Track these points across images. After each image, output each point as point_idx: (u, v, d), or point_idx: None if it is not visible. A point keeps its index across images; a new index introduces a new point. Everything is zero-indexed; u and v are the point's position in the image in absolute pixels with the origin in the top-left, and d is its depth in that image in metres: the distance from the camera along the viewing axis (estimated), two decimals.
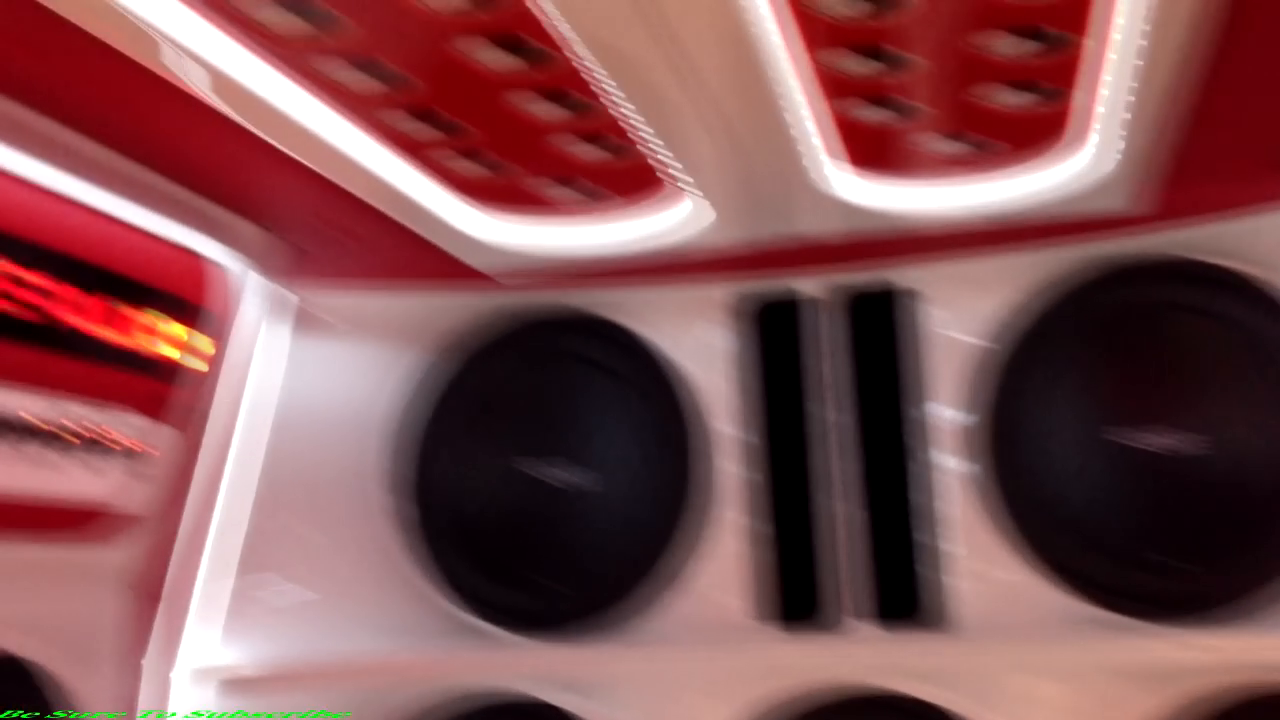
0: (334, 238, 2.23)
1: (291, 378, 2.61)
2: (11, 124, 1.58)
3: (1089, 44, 1.51)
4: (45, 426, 1.76)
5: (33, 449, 1.76)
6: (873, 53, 1.52)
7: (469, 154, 1.84)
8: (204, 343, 2.06)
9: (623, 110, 1.61)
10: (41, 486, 1.80)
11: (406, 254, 2.26)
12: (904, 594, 2.42)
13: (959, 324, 2.46)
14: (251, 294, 2.29)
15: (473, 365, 2.66)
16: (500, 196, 2.05)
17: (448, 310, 2.69)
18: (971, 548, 2.40)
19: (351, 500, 2.65)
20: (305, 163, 1.76)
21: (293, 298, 2.53)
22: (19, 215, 1.63)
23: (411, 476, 2.63)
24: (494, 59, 1.49)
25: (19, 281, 1.64)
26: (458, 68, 1.50)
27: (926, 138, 1.84)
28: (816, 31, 1.44)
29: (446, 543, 2.62)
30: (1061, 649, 2.33)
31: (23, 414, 1.72)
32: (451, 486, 2.64)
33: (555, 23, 1.35)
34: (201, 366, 2.08)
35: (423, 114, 1.68)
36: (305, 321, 2.60)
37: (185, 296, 1.96)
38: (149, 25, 1.31)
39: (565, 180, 1.95)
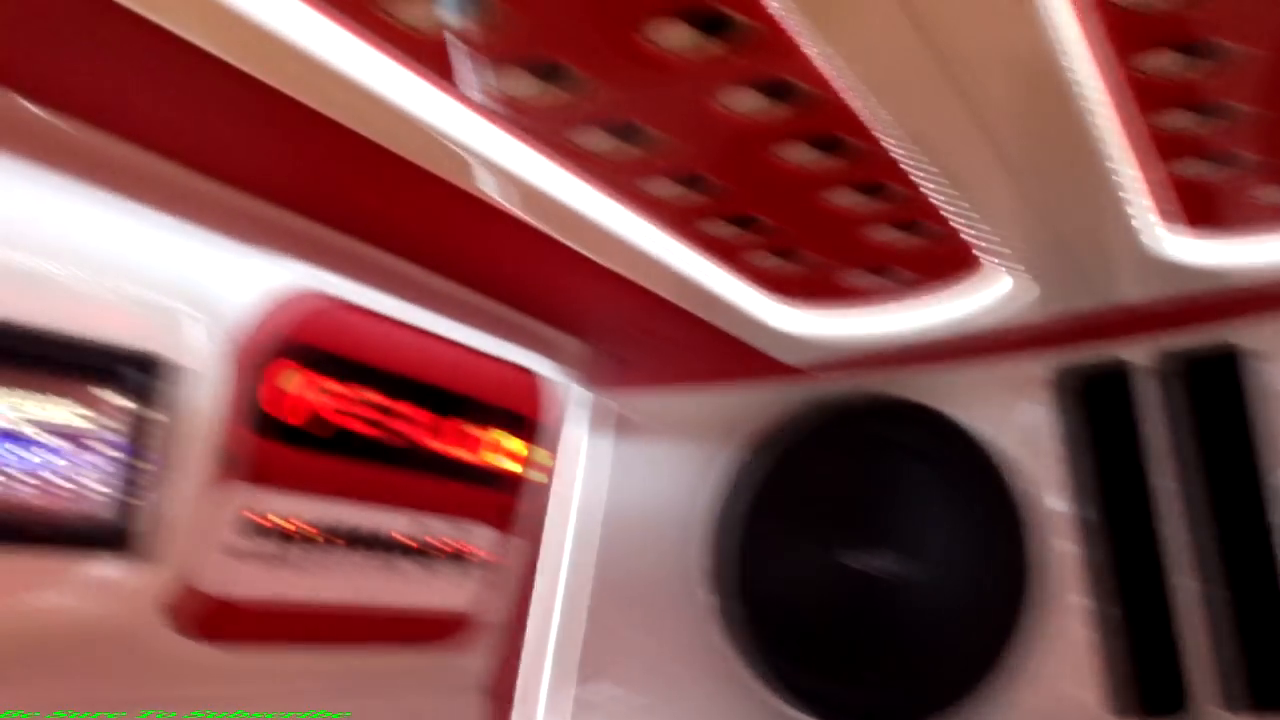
0: (649, 344, 2.32)
1: (613, 482, 2.70)
2: (358, 260, 1.75)
3: None
4: (413, 543, 1.90)
5: (403, 565, 1.90)
6: (1207, 109, 1.45)
7: (781, 252, 1.88)
8: (540, 455, 2.17)
9: (940, 194, 1.60)
10: (412, 600, 1.93)
11: (717, 353, 2.31)
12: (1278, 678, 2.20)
13: None
14: (576, 404, 2.40)
15: (786, 457, 2.66)
16: (811, 290, 2.07)
17: (758, 403, 2.71)
18: None
19: (676, 599, 2.69)
20: (625, 274, 1.84)
21: (611, 404, 2.63)
22: (384, 350, 1.79)
23: (732, 573, 2.64)
24: (810, 158, 1.52)
25: (387, 411, 1.80)
26: (775, 171, 1.55)
27: (1266, 190, 1.72)
28: (1149, 94, 1.39)
29: (773, 639, 2.60)
30: None
31: (394, 533, 1.87)
32: (773, 581, 2.63)
33: (872, 116, 1.37)
34: (539, 478, 2.19)
35: (738, 218, 1.73)
36: (622, 426, 2.69)
37: (522, 412, 2.08)
38: (472, 152, 1.43)
39: (878, 269, 1.95)
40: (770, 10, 1.16)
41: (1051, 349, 2.41)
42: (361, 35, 1.24)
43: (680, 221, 1.75)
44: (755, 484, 2.66)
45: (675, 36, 1.22)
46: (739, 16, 1.19)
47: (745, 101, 1.36)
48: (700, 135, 1.45)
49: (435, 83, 1.34)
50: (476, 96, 1.36)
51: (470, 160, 1.45)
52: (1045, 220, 1.72)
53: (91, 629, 1.50)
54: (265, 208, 1.63)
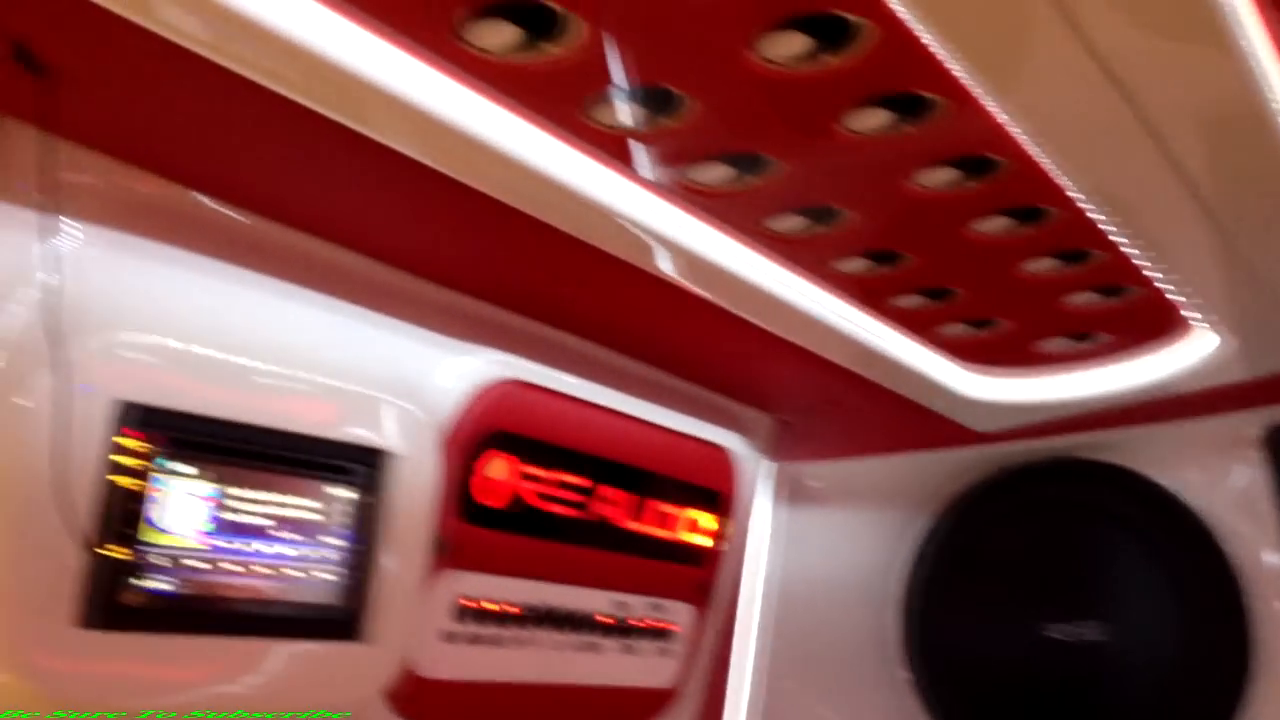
0: (833, 415, 2.31)
1: (797, 552, 2.68)
2: (553, 346, 1.81)
3: None
4: (612, 621, 1.93)
5: (603, 642, 1.93)
6: None
7: (975, 321, 1.85)
8: (730, 528, 2.18)
9: (1143, 256, 1.56)
10: (612, 676, 1.96)
11: (902, 422, 2.29)
12: None
13: None
14: (759, 476, 2.40)
15: (971, 522, 2.59)
16: (1002, 355, 2.04)
17: (943, 469, 2.66)
18: None
19: (865, 670, 2.64)
20: (812, 349, 1.85)
21: (794, 474, 2.63)
22: (582, 433, 1.84)
23: (926, 643, 2.58)
24: (1007, 228, 1.50)
25: (587, 492, 1.85)
26: (971, 243, 1.54)
27: None
28: None
29: (974, 713, 2.52)
30: None
31: (594, 612, 1.90)
32: (970, 652, 2.55)
33: (1069, 180, 1.35)
34: (730, 551, 2.20)
35: (930, 290, 1.72)
36: (805, 495, 2.68)
37: (715, 487, 2.10)
38: (661, 237, 1.48)
39: (1076, 333, 1.90)
40: (962, 82, 1.17)
41: (1260, 406, 2.30)
42: (555, 134, 1.30)
43: (870, 295, 1.75)
44: (945, 551, 2.60)
45: (873, 120, 1.24)
46: (931, 95, 1.20)
47: (941, 178, 1.36)
48: (895, 213, 1.46)
49: (623, 172, 1.39)
50: (668, 186, 1.41)
51: (659, 245, 1.50)
52: (1254, 275, 1.65)
53: (320, 709, 1.57)
54: (465, 300, 1.71)
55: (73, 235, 1.25)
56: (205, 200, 1.39)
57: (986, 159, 1.32)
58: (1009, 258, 1.58)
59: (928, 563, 2.62)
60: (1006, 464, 2.57)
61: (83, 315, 1.25)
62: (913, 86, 1.18)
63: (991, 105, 1.20)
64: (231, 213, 1.40)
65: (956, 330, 1.90)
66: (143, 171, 1.33)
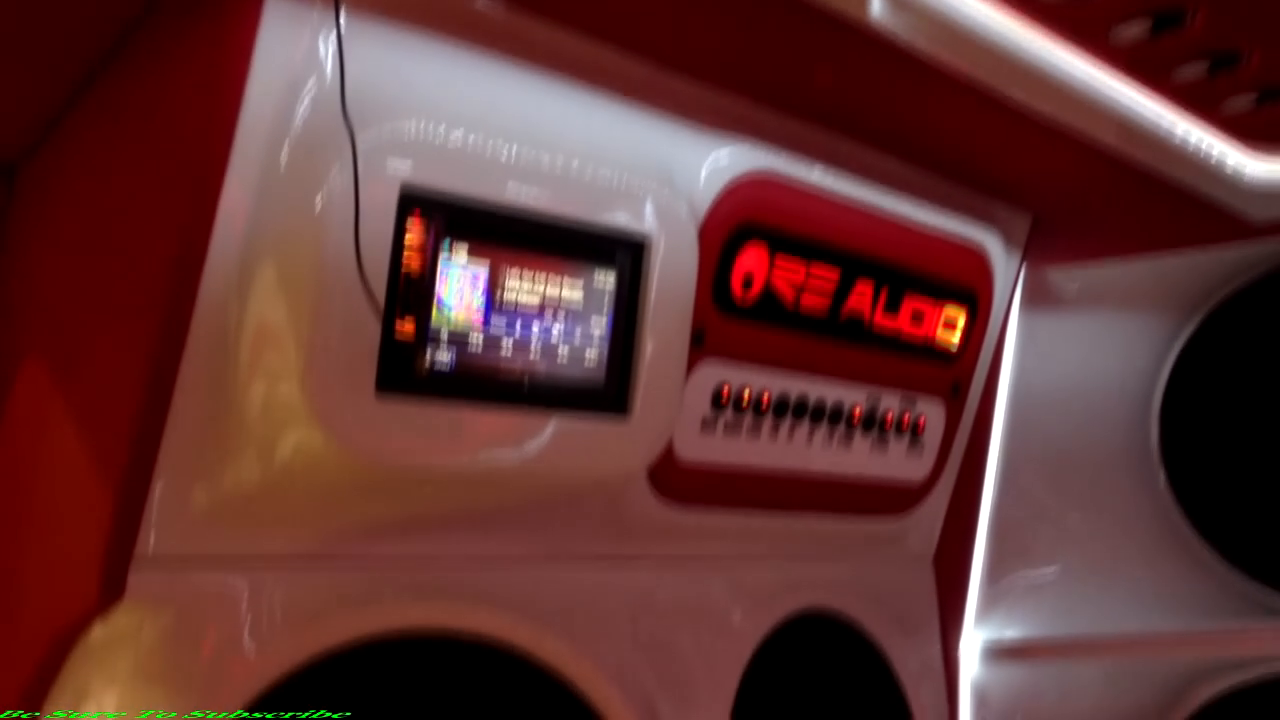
0: (1093, 211, 2.19)
1: (1043, 355, 2.60)
2: (808, 140, 1.79)
3: None
4: (862, 415, 1.95)
5: (853, 436, 1.95)
6: None
7: (1261, 89, 1.69)
8: (982, 327, 2.13)
9: None
10: (861, 469, 1.99)
11: (1163, 214, 2.15)
12: None
13: None
14: (1012, 277, 2.33)
15: (1239, 325, 2.46)
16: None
17: (1203, 269, 2.51)
18: None
19: (1119, 477, 2.58)
20: (1078, 132, 1.73)
21: (1044, 277, 2.53)
22: (837, 228, 1.83)
23: (1182, 449, 2.49)
24: None
25: (840, 287, 1.85)
26: None
27: None
28: None
29: (1228, 521, 2.44)
30: None
31: (844, 405, 1.92)
32: (1241, 459, 2.45)
33: None
34: (976, 350, 2.16)
35: (1218, 55, 1.58)
36: (1054, 298, 2.58)
37: (968, 286, 2.05)
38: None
39: None
40: None
41: None
42: None
43: (1147, 67, 1.62)
44: (1211, 357, 2.48)
45: None
46: None
47: None
48: None
49: None
50: None
51: (914, 15, 1.42)
52: None
53: (584, 485, 1.67)
54: (723, 94, 1.70)
55: (354, 29, 1.30)
56: None
57: None
58: None
59: (1191, 368, 2.51)
60: (1270, 260, 2.42)
61: (367, 107, 1.31)
62: None
63: None
64: (499, 7, 1.43)
65: (1241, 104, 1.74)
66: None
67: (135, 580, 1.29)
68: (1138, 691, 2.48)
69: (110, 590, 1.28)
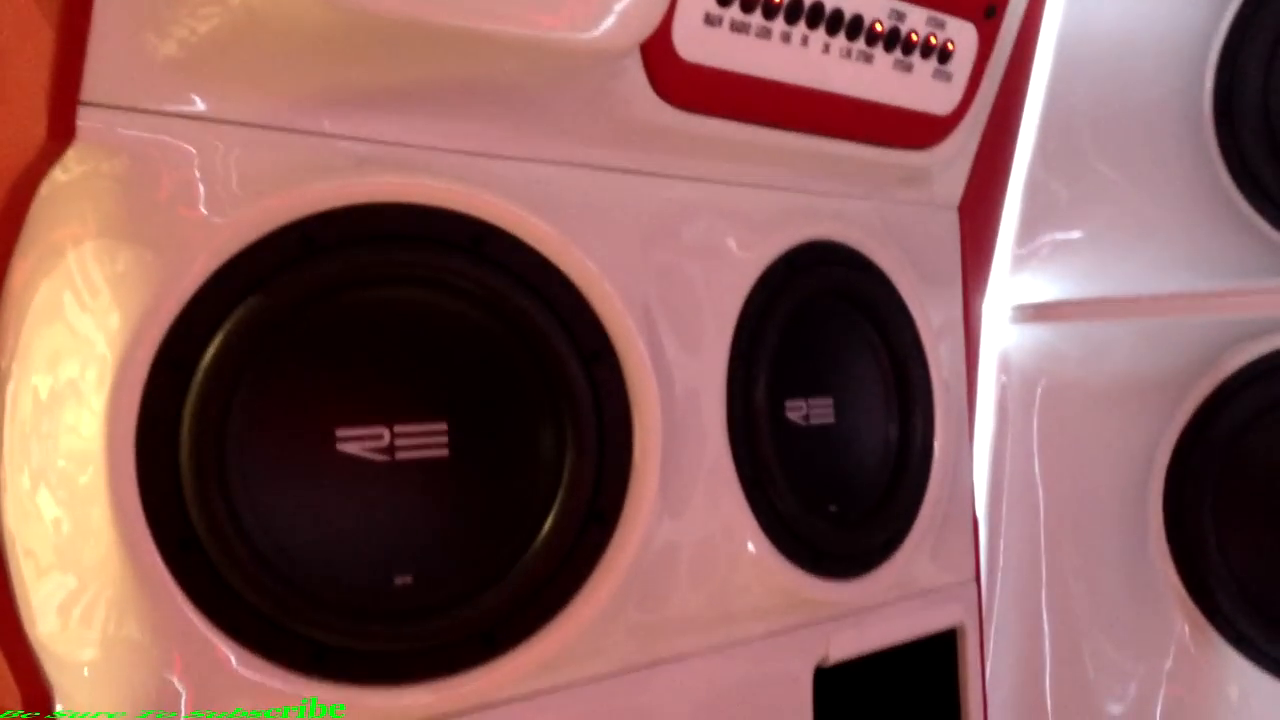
0: None
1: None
2: None
3: None
4: (886, 29, 1.80)
5: (875, 53, 1.81)
6: None
7: None
8: None
9: None
10: (882, 92, 1.86)
11: None
12: None
13: None
14: None
15: None
16: None
17: None
18: None
19: (1158, 132, 2.42)
20: None
21: None
22: None
23: (1249, 100, 2.31)
24: None
25: None
26: None
27: None
28: None
29: (1269, 176, 2.29)
30: None
31: (869, 20, 1.77)
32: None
33: None
34: None
35: None
36: None
37: None
38: None
39: None
40: None
41: None
42: None
43: None
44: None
45: None
46: None
47: None
48: None
49: None
50: None
51: None
52: None
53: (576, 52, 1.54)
54: None
55: None
56: None
57: None
58: None
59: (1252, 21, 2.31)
60: None
61: None
62: None
63: None
64: None
65: None
66: None
67: (84, 125, 1.24)
68: (1169, 355, 2.41)
69: (59, 132, 1.22)
